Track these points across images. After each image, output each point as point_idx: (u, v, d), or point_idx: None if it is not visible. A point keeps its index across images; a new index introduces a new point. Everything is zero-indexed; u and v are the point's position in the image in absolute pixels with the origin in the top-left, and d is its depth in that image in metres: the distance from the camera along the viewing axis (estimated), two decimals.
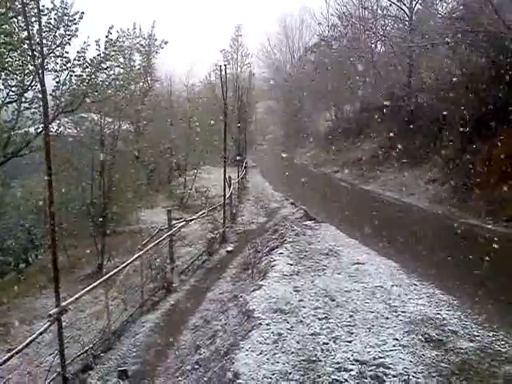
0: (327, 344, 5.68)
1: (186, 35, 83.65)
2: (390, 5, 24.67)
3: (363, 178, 23.82)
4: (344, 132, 32.43)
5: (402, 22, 24.79)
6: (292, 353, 5.49)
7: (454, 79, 17.34)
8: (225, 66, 15.57)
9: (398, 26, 25.49)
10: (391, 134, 22.98)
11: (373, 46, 28.60)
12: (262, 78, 54.98)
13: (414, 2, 23.66)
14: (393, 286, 7.77)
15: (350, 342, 5.72)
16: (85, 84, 13.72)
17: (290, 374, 5.06)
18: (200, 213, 15.01)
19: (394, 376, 4.96)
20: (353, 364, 5.17)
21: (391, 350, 5.49)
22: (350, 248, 10.37)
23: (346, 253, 9.89)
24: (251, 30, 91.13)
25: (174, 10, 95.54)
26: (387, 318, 6.41)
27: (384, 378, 4.92)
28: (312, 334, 5.94)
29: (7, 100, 13.77)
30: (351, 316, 6.47)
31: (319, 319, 6.37)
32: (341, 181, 25.21)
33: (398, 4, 24.04)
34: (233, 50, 42.05)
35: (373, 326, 6.17)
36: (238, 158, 26.80)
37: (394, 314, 6.58)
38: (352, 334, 5.93)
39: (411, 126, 20.74)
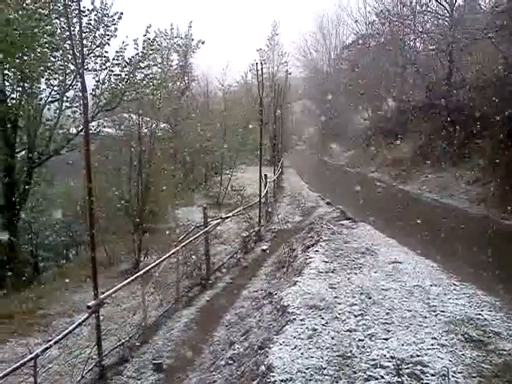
0: (363, 340, 5.58)
1: (222, 35, 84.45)
2: (430, 0, 24.09)
3: (401, 178, 23.38)
4: (381, 131, 31.89)
5: (442, 18, 24.16)
6: (327, 348, 5.42)
7: (497, 76, 16.80)
8: (261, 64, 15.57)
9: (438, 23, 24.86)
10: (430, 133, 22.50)
11: (411, 43, 28.03)
12: (298, 78, 54.63)
13: None
14: (431, 285, 7.57)
15: (386, 339, 5.60)
16: (123, 83, 14.03)
17: (324, 369, 5.00)
18: (235, 211, 15.06)
19: (433, 375, 4.82)
20: (389, 361, 5.05)
21: (429, 349, 5.35)
22: (386, 247, 10.18)
23: (382, 251, 9.72)
24: (287, 29, 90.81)
25: (210, 9, 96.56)
26: (425, 317, 6.25)
27: (421, 376, 4.79)
28: (347, 331, 5.85)
29: (50, 99, 14.22)
30: (388, 314, 6.34)
31: (355, 316, 6.27)
32: (378, 181, 24.81)
33: (439, 0, 23.46)
34: (269, 49, 41.99)
35: (410, 324, 6.03)
36: (273, 157, 26.78)
37: (433, 313, 6.40)
38: (389, 331, 5.81)
39: (451, 125, 20.21)
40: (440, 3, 23.63)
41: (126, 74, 14.16)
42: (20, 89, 13.85)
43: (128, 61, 14.20)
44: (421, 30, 25.11)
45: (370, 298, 6.96)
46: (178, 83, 22.41)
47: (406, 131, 27.60)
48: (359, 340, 5.61)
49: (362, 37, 35.22)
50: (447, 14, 23.40)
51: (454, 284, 7.70)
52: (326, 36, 52.62)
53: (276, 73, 40.19)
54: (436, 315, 6.32)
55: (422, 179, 21.39)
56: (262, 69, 15.44)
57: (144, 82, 14.61)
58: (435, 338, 5.60)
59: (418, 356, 5.16)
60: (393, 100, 32.89)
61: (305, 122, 59.45)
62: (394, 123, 30.56)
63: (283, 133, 33.05)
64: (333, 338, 5.67)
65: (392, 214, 14.82)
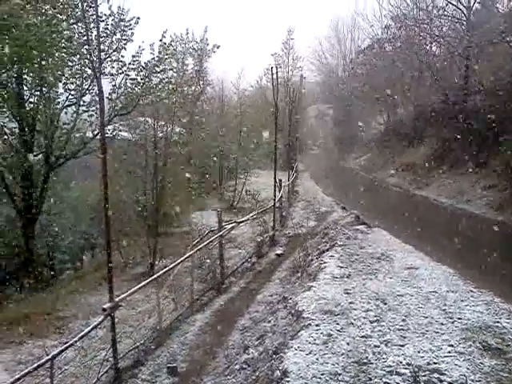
0: (378, 347, 5.53)
1: (237, 39, 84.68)
2: (447, 4, 23.90)
3: (417, 183, 23.16)
4: (397, 136, 31.70)
5: (458, 22, 23.97)
6: (342, 354, 5.39)
7: None
8: (276, 68, 15.58)
9: (455, 26, 24.66)
10: (446, 138, 22.29)
11: (427, 47, 27.81)
12: (313, 82, 54.65)
13: (472, 1, 22.87)
14: (448, 291, 7.48)
15: (402, 345, 5.54)
16: (139, 87, 14.17)
17: (339, 375, 4.96)
18: (250, 215, 15.06)
19: (450, 383, 4.76)
20: (405, 368, 4.99)
21: (446, 356, 5.28)
22: (402, 252, 10.10)
23: (398, 257, 9.64)
24: (302, 33, 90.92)
25: (226, 14, 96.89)
26: (442, 324, 6.17)
27: (438, 383, 4.73)
28: (363, 337, 5.80)
29: (67, 103, 14.41)
30: (404, 320, 6.28)
31: (370, 322, 6.22)
32: (393, 186, 24.64)
33: (455, 3, 23.28)
34: (284, 53, 41.96)
35: (427, 331, 5.96)
36: (288, 161, 26.76)
37: (450, 320, 6.32)
38: (405, 338, 5.75)
39: (468, 130, 20.01)
40: (457, 7, 23.47)
41: (141, 79, 14.30)
42: (38, 93, 14.08)
43: (144, 65, 14.35)
44: (437, 34, 24.91)
45: (385, 303, 6.91)
46: (194, 87, 22.55)
47: (422, 136, 27.40)
48: (375, 346, 5.56)
49: (378, 41, 35.07)
50: (464, 18, 23.22)
51: (471, 291, 7.60)
52: (341, 40, 52.61)
53: (291, 77, 40.20)
54: (453, 322, 6.24)
55: (438, 184, 21.17)
56: (276, 73, 15.44)
57: (160, 86, 14.74)
58: (452, 346, 5.53)
59: (435, 363, 5.10)
60: (408, 104, 32.68)
61: (319, 126, 59.35)
62: (410, 128, 30.35)
63: (298, 137, 33.00)
64: (348, 344, 5.63)
65: (407, 220, 14.69)
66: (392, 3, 31.75)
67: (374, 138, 39.10)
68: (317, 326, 6.16)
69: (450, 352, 5.38)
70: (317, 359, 5.29)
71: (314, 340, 5.76)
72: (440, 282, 7.93)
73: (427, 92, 27.50)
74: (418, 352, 5.36)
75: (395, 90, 31.23)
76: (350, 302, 6.93)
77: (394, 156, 29.88)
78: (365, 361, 5.24)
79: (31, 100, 14.12)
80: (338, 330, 6.00)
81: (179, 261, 9.76)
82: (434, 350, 5.43)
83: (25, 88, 13.96)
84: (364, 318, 6.37)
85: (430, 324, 6.16)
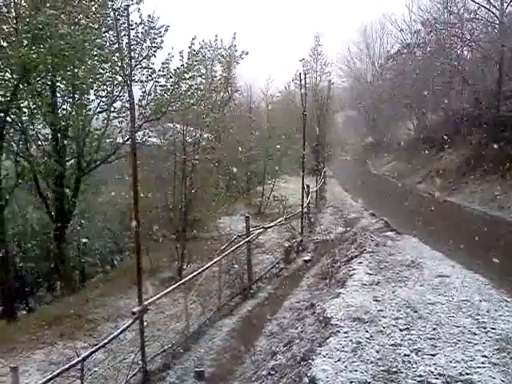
0: (409, 356, 5.43)
1: (266, 45, 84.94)
2: (479, 8, 23.46)
3: (447, 189, 22.75)
4: (427, 141, 31.23)
5: (491, 26, 23.52)
6: (371, 362, 5.31)
7: None
8: (304, 73, 15.58)
9: (487, 30, 24.20)
10: (478, 144, 21.85)
11: (458, 51, 27.39)
12: (341, 88, 54.36)
13: (505, 4, 22.41)
14: (481, 300, 7.29)
15: (433, 355, 5.43)
16: (168, 94, 14.31)
17: (369, 383, 4.89)
18: (277, 220, 15.04)
19: None
20: (436, 378, 4.90)
21: (479, 367, 5.15)
22: (433, 260, 9.90)
23: (428, 265, 9.45)
24: (331, 39, 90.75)
25: (254, 20, 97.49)
26: (475, 334, 6.02)
27: None
28: (392, 345, 5.71)
29: (98, 109, 14.70)
30: (435, 329, 6.15)
31: (400, 330, 6.12)
32: (423, 192, 24.27)
33: (488, 6, 22.85)
34: (312, 59, 41.99)
35: (458, 340, 5.83)
36: (316, 167, 26.66)
37: (483, 329, 6.16)
38: (436, 347, 5.63)
39: (500, 135, 19.56)
40: (489, 10, 23.03)
41: (171, 85, 14.44)
42: (71, 100, 14.39)
43: (173, 72, 14.48)
44: (469, 37, 24.52)
45: (415, 311, 6.78)
46: (222, 94, 22.68)
47: (453, 142, 26.92)
48: (405, 355, 5.47)
49: (407, 46, 34.70)
50: (497, 21, 22.76)
51: (505, 300, 7.39)
52: (369, 45, 52.35)
53: (319, 83, 40.14)
54: (486, 332, 6.08)
55: (470, 191, 20.75)
56: (305, 79, 15.45)
57: (189, 93, 14.85)
58: (486, 356, 5.39)
59: (467, 374, 4.98)
60: (438, 110, 32.20)
61: (348, 131, 59.02)
62: (440, 133, 29.87)
63: (326, 143, 32.86)
64: (377, 352, 5.55)
65: (438, 226, 14.44)
66: (422, 7, 31.48)
67: (403, 143, 38.63)
68: (345, 333, 6.09)
69: (483, 363, 5.24)
70: (345, 367, 5.23)
71: (343, 347, 5.70)
72: (472, 291, 7.74)
73: (458, 97, 27.06)
74: (450, 362, 5.25)
75: (425, 96, 30.82)
76: (380, 310, 6.84)
77: (424, 161, 29.45)
78: (394, 369, 5.16)
79: (64, 107, 14.43)
80: (367, 338, 5.92)
81: (207, 266, 9.81)
82: (467, 360, 5.30)
83: (58, 95, 14.29)
84: (394, 325, 6.27)
85: (462, 333, 6.02)
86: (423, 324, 6.31)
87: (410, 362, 5.31)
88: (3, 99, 12.32)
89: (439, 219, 16.55)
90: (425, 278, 8.48)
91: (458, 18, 25.73)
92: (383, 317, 6.57)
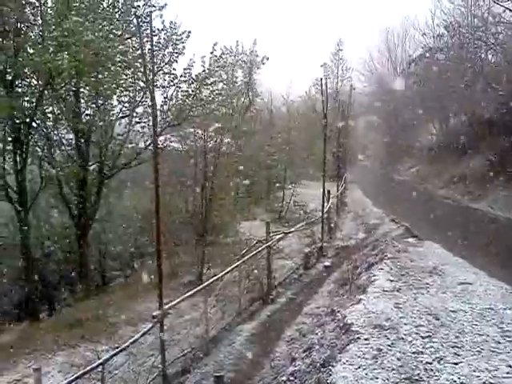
0: (431, 364, 5.34)
1: (286, 50, 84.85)
2: (504, 11, 23.06)
3: (470, 195, 22.34)
4: (449, 146, 30.75)
5: None
6: (392, 370, 5.24)
7: None
8: (325, 79, 15.55)
9: None
10: (503, 149, 21.45)
11: (482, 55, 26.95)
12: (362, 92, 53.97)
13: None
14: (505, 309, 7.13)
15: (456, 363, 5.33)
16: (190, 99, 14.43)
17: None
18: (298, 226, 15.00)
19: None
20: None
21: (504, 378, 5.03)
22: (455, 267, 9.75)
23: (451, 272, 9.31)
24: (352, 43, 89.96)
25: (274, 25, 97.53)
26: (499, 343, 5.90)
27: None
28: (414, 352, 5.62)
29: (120, 115, 14.89)
30: (457, 337, 6.05)
31: (422, 337, 6.02)
32: (445, 198, 23.88)
33: None
34: (333, 64, 41.87)
35: (482, 349, 5.71)
36: (337, 172, 26.54)
37: (507, 338, 6.03)
38: (458, 355, 5.53)
39: None
40: None
41: (192, 91, 14.58)
42: (94, 106, 14.61)
43: (195, 77, 14.61)
44: (493, 41, 24.12)
45: (437, 319, 6.68)
46: (243, 99, 22.80)
47: (476, 146, 26.48)
48: (427, 363, 5.38)
49: (430, 50, 34.30)
50: None
51: None
52: (391, 50, 51.81)
53: (340, 88, 39.96)
54: (510, 341, 5.95)
55: (494, 197, 20.34)
56: (326, 84, 15.40)
57: (210, 98, 14.96)
58: (510, 366, 5.27)
59: None
60: (461, 114, 31.75)
61: (369, 136, 58.49)
62: (463, 138, 29.44)
63: (347, 148, 32.70)
64: (399, 360, 5.47)
65: (460, 233, 14.23)
66: (445, 11, 31.12)
67: (424, 148, 38.11)
68: (366, 340, 6.02)
69: (508, 373, 5.13)
70: (366, 374, 5.17)
71: (364, 354, 5.64)
72: (496, 299, 7.59)
73: (481, 101, 26.61)
74: (474, 371, 5.15)
75: (448, 100, 30.43)
76: (401, 317, 6.75)
77: (446, 167, 29.02)
78: (416, 378, 5.08)
79: (87, 112, 14.68)
80: (389, 345, 5.84)
81: (227, 270, 9.84)
82: (491, 369, 5.19)
83: (81, 101, 14.53)
84: (415, 333, 6.18)
85: (485, 342, 5.90)
86: (445, 332, 6.21)
87: (432, 370, 5.22)
88: (29, 105, 12.58)
89: (462, 225, 16.30)
90: (447, 285, 8.35)
91: (482, 21, 25.32)
92: (404, 324, 6.49)
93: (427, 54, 33.74)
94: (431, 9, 39.98)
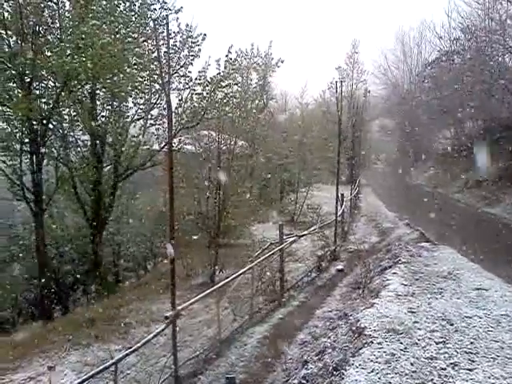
0: (445, 369, 5.28)
1: (301, 53, 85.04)
2: None
3: (486, 200, 22.16)
4: (465, 150, 30.53)
5: None
6: (406, 374, 5.19)
7: None
8: (340, 82, 15.50)
9: None
10: None
11: (499, 58, 26.68)
12: (377, 96, 53.79)
13: None
14: None
15: (470, 370, 5.27)
16: (204, 102, 14.48)
17: None
18: (311, 229, 14.96)
19: None
20: None
21: None
22: (470, 272, 9.64)
23: (466, 277, 9.22)
24: (367, 46, 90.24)
25: (289, 27, 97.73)
26: None
27: None
28: (428, 358, 5.57)
29: (135, 117, 15.01)
30: (472, 343, 5.97)
31: (436, 343, 5.96)
32: (460, 202, 23.73)
33: None
34: (348, 67, 41.85)
35: (497, 356, 5.64)
36: (350, 176, 26.45)
37: None
38: (473, 361, 5.46)
39: None
40: None
41: (207, 93, 14.61)
42: (109, 107, 14.75)
43: (210, 80, 14.66)
44: (511, 44, 23.88)
45: (451, 324, 6.61)
46: (257, 101, 22.83)
47: (493, 151, 26.22)
48: (441, 369, 5.32)
49: (446, 53, 34.07)
50: None
51: None
52: (407, 53, 51.66)
53: (354, 91, 39.89)
54: None
55: (509, 202, 20.15)
56: (341, 87, 15.36)
57: (224, 101, 14.99)
58: None
59: None
60: (478, 118, 31.45)
61: (383, 140, 58.28)
62: (479, 142, 29.15)
63: (361, 151, 32.57)
64: (412, 365, 5.42)
65: (476, 238, 14.10)
66: (462, 14, 30.85)
67: (440, 152, 37.90)
68: (379, 344, 5.98)
69: None
70: (379, 378, 5.13)
71: (377, 358, 5.60)
72: None
73: (498, 105, 26.35)
74: (489, 378, 5.08)
75: (464, 104, 30.18)
76: (415, 322, 6.69)
77: (462, 171, 28.79)
78: (430, 383, 5.03)
79: (103, 114, 14.80)
80: (402, 350, 5.79)
81: (240, 272, 9.84)
82: (506, 376, 5.12)
83: (97, 103, 14.67)
84: (429, 338, 6.12)
85: (501, 349, 5.83)
86: (460, 337, 6.14)
87: (446, 376, 5.17)
88: (46, 107, 12.74)
89: (477, 230, 16.15)
90: (462, 291, 8.27)
91: (500, 24, 25.07)
92: (418, 329, 6.43)
93: (443, 58, 33.57)
94: (447, 12, 39.75)
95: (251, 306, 10.23)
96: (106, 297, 13.59)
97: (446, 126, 38.37)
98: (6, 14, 11.84)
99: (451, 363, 5.44)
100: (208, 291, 8.84)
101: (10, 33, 12.00)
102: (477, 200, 22.99)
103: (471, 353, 5.71)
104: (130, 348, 6.90)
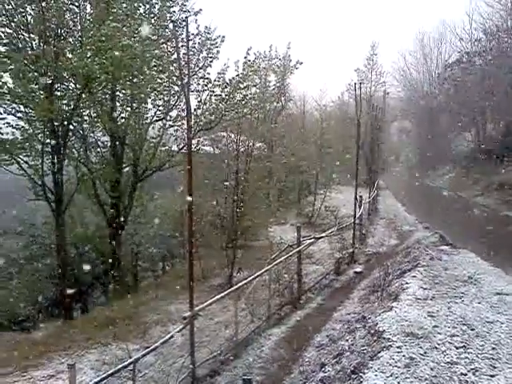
0: (465, 375, 5.21)
1: (320, 55, 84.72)
2: None
3: (508, 203, 21.79)
4: (486, 154, 30.07)
5: None
6: (425, 379, 5.13)
7: None
8: (360, 84, 15.40)
9: None
10: None
11: None
12: (396, 98, 53.34)
13: None
14: None
15: (492, 376, 5.19)
16: (223, 103, 14.51)
17: None
18: (329, 231, 14.88)
19: None
20: None
21: None
22: (491, 276, 9.51)
23: (486, 281, 9.09)
24: (386, 48, 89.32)
25: (308, 29, 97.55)
26: None
27: None
28: (448, 363, 5.50)
29: (155, 118, 15.12)
30: (493, 348, 5.88)
31: (456, 348, 5.89)
32: (481, 206, 23.34)
33: None
34: (367, 69, 41.54)
35: None
36: (369, 178, 26.26)
37: None
38: (495, 367, 5.38)
39: None
40: None
41: (226, 95, 14.64)
42: (129, 109, 14.86)
43: (228, 82, 14.69)
44: None
45: (472, 329, 6.52)
46: (275, 103, 22.81)
47: None
48: (461, 374, 5.25)
49: (467, 55, 33.64)
50: None
51: None
52: (426, 55, 51.11)
53: (373, 93, 39.60)
54: None
55: None
56: (360, 89, 15.25)
57: (243, 102, 15.00)
58: None
59: None
60: (499, 120, 30.98)
61: (402, 142, 57.86)
62: (501, 145, 28.69)
63: (380, 153, 32.31)
64: (432, 369, 5.35)
65: (497, 242, 13.87)
66: (483, 15, 30.44)
67: (460, 155, 37.41)
68: (398, 347, 5.92)
69: None
70: (398, 382, 5.08)
71: (395, 362, 5.54)
72: None
73: None
74: None
75: (485, 106, 29.76)
76: (434, 326, 6.61)
77: (482, 175, 28.36)
78: None
79: (122, 115, 14.92)
80: (421, 354, 5.73)
81: (257, 274, 9.83)
82: None
83: (117, 104, 14.81)
84: (449, 343, 6.05)
85: None
86: (481, 343, 6.05)
87: (466, 381, 5.10)
88: (67, 108, 12.90)
89: (498, 234, 15.88)
90: (483, 295, 8.16)
91: None
92: (438, 333, 6.36)
93: (464, 59, 33.14)
94: (468, 12, 39.35)
95: (268, 307, 10.21)
96: (124, 296, 13.70)
97: (466, 128, 37.89)
98: (29, 18, 12.03)
99: (472, 368, 5.37)
100: (225, 292, 8.85)
101: (32, 36, 12.17)
102: (499, 203, 22.63)
103: (493, 358, 5.62)
104: (148, 348, 6.94)
